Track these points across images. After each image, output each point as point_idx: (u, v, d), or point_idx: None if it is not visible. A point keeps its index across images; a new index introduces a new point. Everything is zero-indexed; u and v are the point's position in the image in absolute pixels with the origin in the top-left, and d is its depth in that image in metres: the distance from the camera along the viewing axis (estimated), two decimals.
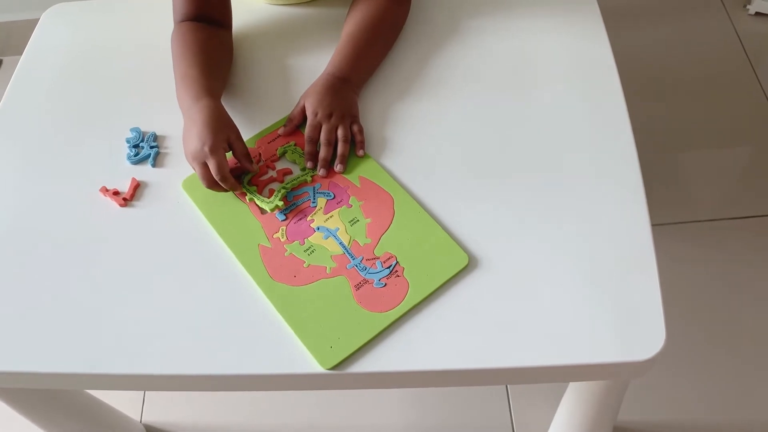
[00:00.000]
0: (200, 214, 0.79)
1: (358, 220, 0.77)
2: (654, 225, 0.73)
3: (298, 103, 0.86)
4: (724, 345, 1.26)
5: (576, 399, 0.96)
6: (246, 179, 0.81)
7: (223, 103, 0.83)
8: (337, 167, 0.81)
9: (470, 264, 0.72)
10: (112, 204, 0.82)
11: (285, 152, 0.84)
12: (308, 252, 0.75)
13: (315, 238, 0.76)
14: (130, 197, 0.82)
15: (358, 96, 0.87)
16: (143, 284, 0.75)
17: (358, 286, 0.72)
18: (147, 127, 0.88)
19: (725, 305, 1.31)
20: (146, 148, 0.86)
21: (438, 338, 0.68)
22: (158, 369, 0.69)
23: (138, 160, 0.85)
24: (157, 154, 0.86)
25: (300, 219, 0.78)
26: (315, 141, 0.83)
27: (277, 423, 1.25)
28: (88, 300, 0.74)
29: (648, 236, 0.72)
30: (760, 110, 1.59)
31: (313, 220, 0.77)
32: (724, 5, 1.80)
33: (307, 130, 0.83)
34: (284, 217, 0.78)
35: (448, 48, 0.93)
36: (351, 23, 0.90)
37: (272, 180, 0.82)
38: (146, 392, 1.30)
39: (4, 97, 0.95)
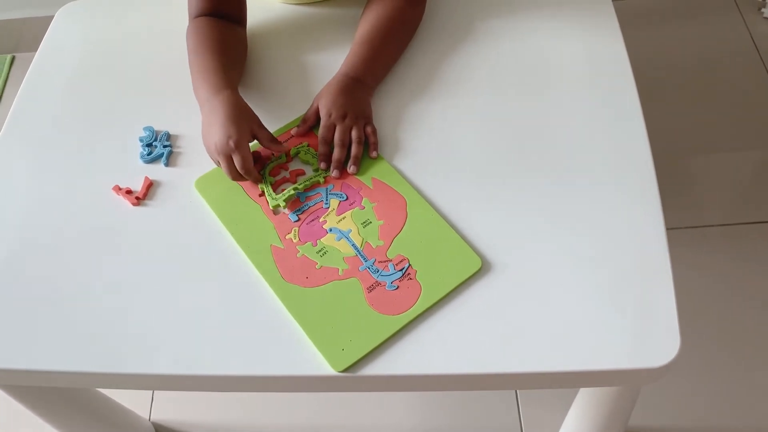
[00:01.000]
0: (213, 214, 0.79)
1: (370, 222, 0.77)
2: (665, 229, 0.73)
3: (312, 103, 0.86)
4: (736, 350, 1.25)
5: (587, 404, 0.95)
6: (268, 168, 0.82)
7: None
8: (351, 169, 0.81)
9: (483, 268, 0.72)
10: (125, 203, 0.82)
11: (298, 153, 0.84)
12: (321, 253, 0.75)
13: (327, 240, 0.76)
14: (142, 196, 0.82)
15: (372, 97, 0.87)
16: (155, 284, 0.75)
17: (370, 289, 0.72)
18: (160, 126, 0.88)
19: (737, 310, 1.30)
20: (159, 147, 0.86)
21: (450, 342, 0.68)
22: (170, 369, 0.69)
23: (151, 159, 0.85)
24: (171, 153, 0.86)
25: (312, 220, 0.77)
26: (329, 142, 0.83)
27: (285, 422, 1.25)
28: (101, 299, 0.74)
29: (663, 242, 0.71)
30: None
31: (325, 222, 0.77)
32: (738, 8, 1.79)
33: (320, 130, 0.83)
34: (297, 218, 0.78)
35: (462, 49, 0.92)
36: (365, 24, 0.90)
37: (285, 180, 0.82)
38: (155, 391, 1.30)
39: (18, 95, 0.95)
